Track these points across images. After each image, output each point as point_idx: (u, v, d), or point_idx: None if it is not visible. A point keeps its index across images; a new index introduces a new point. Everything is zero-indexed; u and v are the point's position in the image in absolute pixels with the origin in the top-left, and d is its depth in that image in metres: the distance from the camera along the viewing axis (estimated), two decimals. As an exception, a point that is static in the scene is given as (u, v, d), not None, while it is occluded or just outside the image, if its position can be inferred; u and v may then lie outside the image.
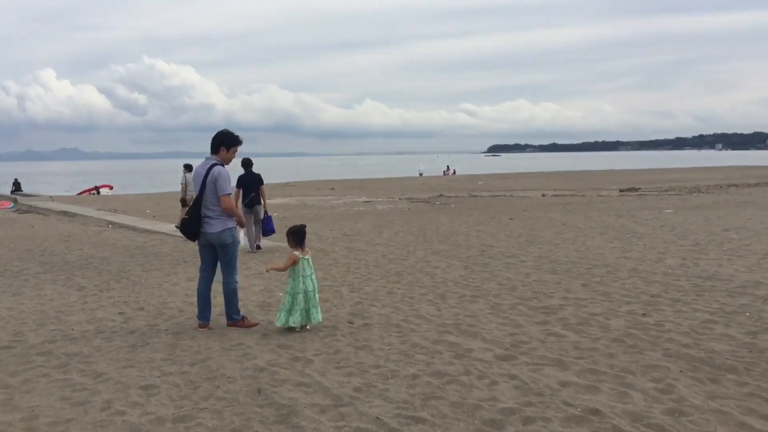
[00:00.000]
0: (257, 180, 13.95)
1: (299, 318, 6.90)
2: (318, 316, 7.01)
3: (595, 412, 4.25)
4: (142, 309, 8.62)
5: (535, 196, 32.81)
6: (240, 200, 13.53)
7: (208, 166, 7.25)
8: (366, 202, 30.99)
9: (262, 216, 13.89)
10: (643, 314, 7.02)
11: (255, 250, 13.95)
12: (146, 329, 7.44)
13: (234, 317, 7.35)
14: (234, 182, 11.61)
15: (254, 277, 10.77)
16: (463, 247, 13.65)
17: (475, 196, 34.22)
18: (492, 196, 33.89)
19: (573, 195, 32.91)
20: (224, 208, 7.11)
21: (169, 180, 63.06)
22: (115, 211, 26.40)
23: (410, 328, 6.79)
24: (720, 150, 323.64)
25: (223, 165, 7.30)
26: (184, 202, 18.72)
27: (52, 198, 37.65)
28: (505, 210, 23.46)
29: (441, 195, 35.11)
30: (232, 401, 4.90)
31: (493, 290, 8.73)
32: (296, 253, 7.06)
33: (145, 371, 5.81)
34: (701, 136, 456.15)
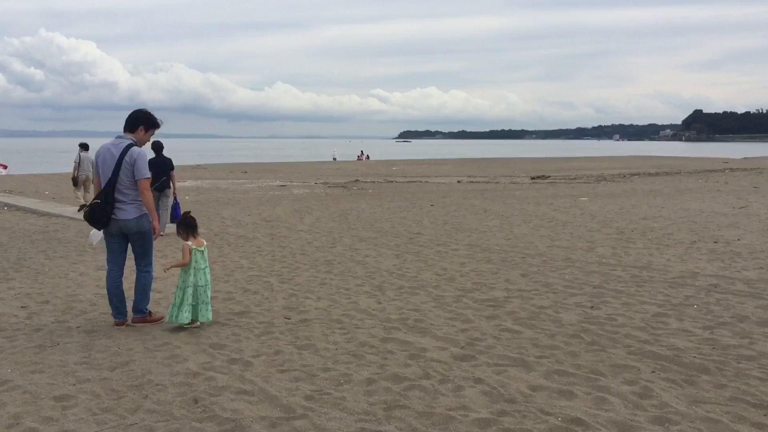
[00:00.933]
0: (168, 164, 13.49)
1: (187, 314, 6.33)
2: (208, 314, 6.42)
3: (578, 421, 3.94)
4: (47, 302, 7.76)
5: (451, 183, 32.92)
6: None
7: (124, 146, 6.51)
8: (281, 186, 30.18)
9: (171, 201, 13.46)
10: (592, 307, 6.83)
11: (164, 233, 13.26)
12: (55, 326, 6.64)
13: (144, 311, 6.69)
14: None
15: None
16: (389, 234, 13.29)
17: (392, 181, 34.00)
18: (408, 181, 33.75)
19: (487, 182, 33.21)
20: (141, 193, 6.43)
21: (67, 160, 59.75)
22: (10, 192, 24.49)
23: (353, 324, 6.32)
24: (617, 140, 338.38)
25: (139, 146, 6.60)
26: (75, 181, 18.15)
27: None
28: (424, 196, 23.31)
29: (357, 180, 34.69)
30: (165, 414, 4.28)
31: (431, 281, 8.38)
32: (189, 243, 6.45)
33: (58, 377, 5.08)
34: (600, 126, 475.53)
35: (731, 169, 41.77)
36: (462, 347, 5.47)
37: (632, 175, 38.29)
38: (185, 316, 6.32)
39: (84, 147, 18.68)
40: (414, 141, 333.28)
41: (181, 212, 14.12)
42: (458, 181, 33.82)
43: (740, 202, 18.63)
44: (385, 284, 8.26)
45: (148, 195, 6.46)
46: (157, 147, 13.42)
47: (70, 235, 13.80)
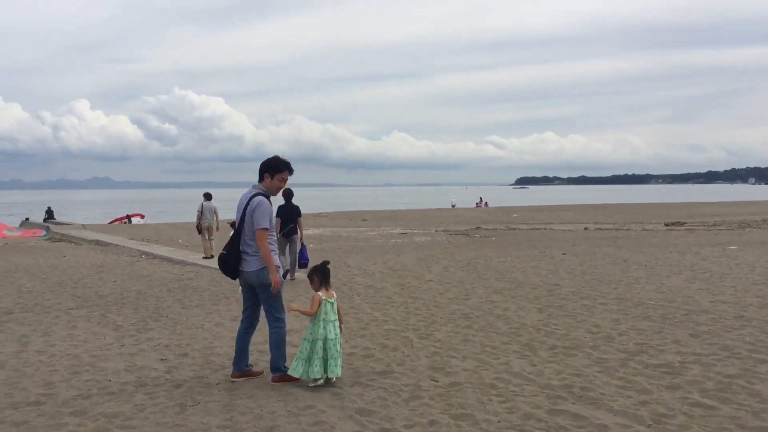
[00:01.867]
0: (296, 211, 13.78)
1: (318, 369, 5.96)
2: (337, 370, 6.04)
3: None
4: (186, 355, 7.62)
5: (577, 230, 31.56)
6: (278, 230, 13.31)
7: (251, 195, 6.37)
8: (402, 233, 29.98)
9: (299, 247, 13.70)
10: (791, 377, 5.83)
11: (291, 279, 13.69)
12: (194, 382, 6.42)
13: (281, 368, 6.34)
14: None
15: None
16: (525, 285, 12.52)
17: (514, 228, 33.06)
18: (531, 229, 32.67)
19: (618, 229, 31.57)
20: (258, 243, 6.16)
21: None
22: (147, 240, 25.67)
23: (510, 390, 5.67)
24: (753, 184, 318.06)
25: (266, 194, 6.39)
26: (199, 229, 18.70)
27: (84, 226, 37.17)
28: (552, 244, 22.27)
29: (478, 227, 33.99)
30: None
31: (586, 340, 7.58)
32: (319, 294, 6.12)
33: (200, 441, 4.77)
34: (733, 170, 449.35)
35: None
36: (649, 425, 4.69)
37: (779, 220, 35.33)
38: (316, 371, 5.98)
39: (207, 196, 19.18)
40: (531, 187, 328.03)
41: (308, 255, 14.59)
42: (585, 228, 32.40)
43: None
44: (534, 342, 7.54)
45: (264, 245, 6.17)
46: (287, 194, 13.48)
47: (204, 283, 13.98)
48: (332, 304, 6.20)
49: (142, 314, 10.41)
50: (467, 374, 6.17)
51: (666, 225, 34.38)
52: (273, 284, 6.18)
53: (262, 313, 6.52)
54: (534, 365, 6.49)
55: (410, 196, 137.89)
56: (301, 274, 13.82)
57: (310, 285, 6.32)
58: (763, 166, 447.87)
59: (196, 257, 18.85)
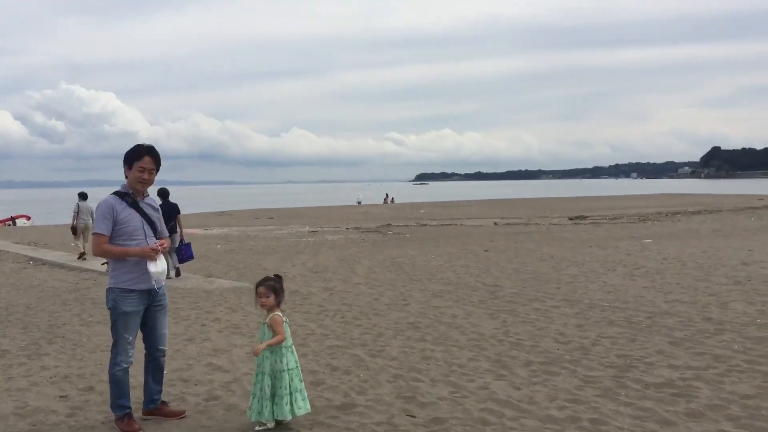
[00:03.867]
0: (174, 209, 14.11)
1: (288, 407, 4.81)
2: (306, 405, 4.94)
3: None
4: (92, 389, 6.26)
5: (487, 225, 31.46)
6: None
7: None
8: (312, 232, 28.83)
9: (177, 244, 13.81)
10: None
11: (174, 276, 13.59)
12: (106, 428, 5.13)
13: (116, 412, 5.12)
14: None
15: (186, 323, 8.49)
16: (463, 287, 11.73)
17: (425, 225, 32.54)
18: (442, 225, 32.26)
19: (526, 224, 31.66)
20: (93, 249, 5.12)
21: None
22: (35, 244, 23.23)
23: (507, 426, 4.72)
24: (635, 179, 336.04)
25: (118, 193, 5.16)
26: (74, 230, 18.30)
27: (-42, 230, 33.64)
28: (469, 240, 21.80)
29: (389, 224, 33.25)
30: None
31: (561, 353, 6.78)
32: (279, 314, 4.97)
33: None
34: (617, 165, 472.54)
35: (775, 206, 39.96)
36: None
37: (674, 213, 36.60)
38: (285, 411, 4.81)
39: (82, 196, 18.75)
40: (431, 183, 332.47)
41: (192, 252, 14.01)
42: (495, 224, 32.32)
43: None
44: (503, 357, 6.67)
45: (98, 251, 5.10)
46: (163, 193, 14.09)
47: (104, 293, 12.36)
48: (287, 324, 5.06)
49: (33, 335, 8.84)
50: (446, 405, 5.19)
51: (570, 219, 34.85)
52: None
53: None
54: (517, 388, 5.59)
55: (313, 193, 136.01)
56: (181, 281, 12.56)
57: (258, 299, 5.06)
58: (643, 161, 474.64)
59: (94, 263, 16.99)
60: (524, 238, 22.43)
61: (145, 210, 5.19)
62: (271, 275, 5.17)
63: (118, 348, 5.06)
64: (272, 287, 5.02)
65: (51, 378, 6.70)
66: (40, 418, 5.40)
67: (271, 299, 5.00)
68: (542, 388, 5.55)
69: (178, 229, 14.01)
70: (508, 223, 32.08)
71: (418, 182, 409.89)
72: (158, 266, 5.02)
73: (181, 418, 5.25)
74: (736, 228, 23.98)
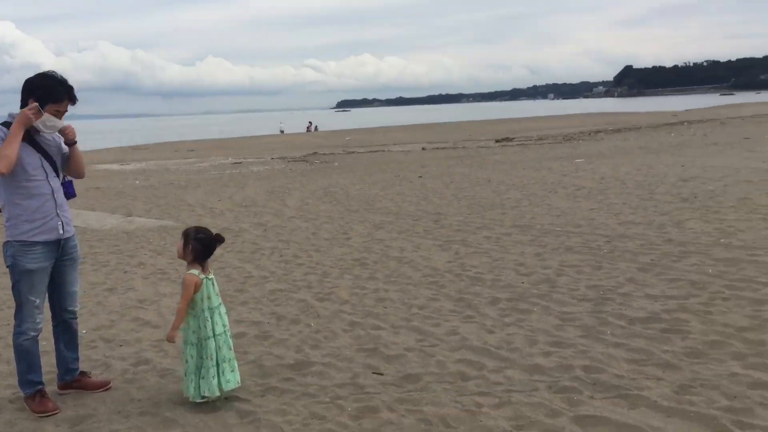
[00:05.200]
0: None
1: (216, 381, 4.06)
2: (235, 376, 4.16)
3: None
4: (-3, 357, 5.35)
5: (415, 150, 30.97)
6: None
7: None
8: (236, 163, 27.61)
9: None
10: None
11: None
12: (14, 408, 4.30)
13: (25, 390, 4.30)
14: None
15: (106, 270, 7.62)
16: (404, 216, 11.13)
17: (352, 152, 31.74)
18: (370, 151, 31.54)
19: (454, 148, 31.33)
20: None
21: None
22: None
23: (490, 380, 4.08)
24: (552, 99, 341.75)
25: (5, 124, 4.07)
26: None
27: None
28: (400, 166, 21.24)
29: (315, 153, 32.29)
30: None
31: (526, 286, 6.25)
32: (194, 272, 4.13)
33: None
34: (535, 86, 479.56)
35: (688, 122, 40.98)
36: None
37: (595, 132, 37.02)
38: (213, 385, 4.04)
39: None
40: (353, 110, 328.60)
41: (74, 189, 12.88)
42: (423, 148, 31.85)
43: (756, 155, 17.09)
44: (466, 295, 6.11)
45: None
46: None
47: None
48: (212, 281, 4.23)
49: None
50: (416, 358, 4.56)
51: (497, 141, 34.73)
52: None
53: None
54: (491, 331, 5.03)
55: (234, 123, 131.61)
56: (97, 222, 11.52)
57: (179, 251, 4.23)
58: (559, 82, 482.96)
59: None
60: (455, 162, 22.02)
61: (47, 149, 4.23)
62: (203, 232, 4.21)
63: (22, 313, 4.17)
64: (184, 233, 4.19)
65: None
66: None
67: (187, 253, 4.15)
68: (518, 330, 5.00)
69: None
70: (437, 148, 31.65)
71: (340, 109, 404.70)
72: (46, 119, 4.02)
73: (106, 389, 4.47)
74: (661, 144, 24.24)
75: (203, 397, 4.05)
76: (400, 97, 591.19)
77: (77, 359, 4.56)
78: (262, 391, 4.21)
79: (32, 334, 4.18)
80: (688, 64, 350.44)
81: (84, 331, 5.77)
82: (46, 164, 4.17)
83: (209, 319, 4.09)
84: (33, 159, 4.11)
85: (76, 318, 4.54)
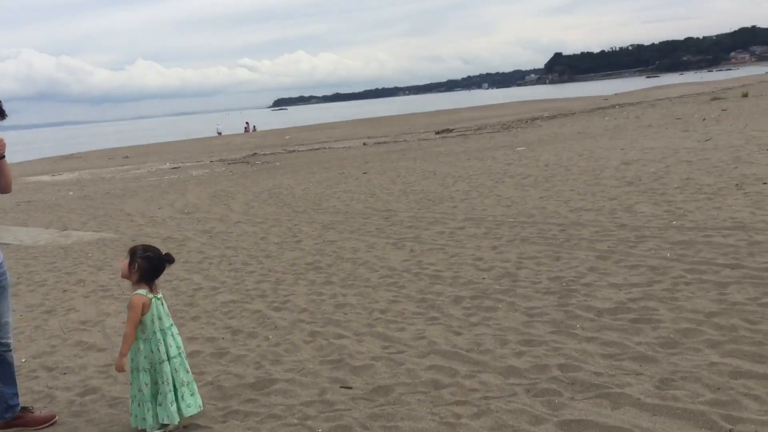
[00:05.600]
0: None
1: (174, 407, 3.77)
2: (197, 400, 3.89)
3: None
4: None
5: (356, 146, 30.77)
6: None
7: None
8: (174, 168, 26.89)
9: None
10: None
11: None
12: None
13: (4, 415, 4.07)
14: None
15: (43, 290, 7.22)
16: (354, 214, 10.91)
17: (293, 151, 31.34)
18: (311, 149, 31.19)
19: (395, 141, 31.25)
20: None
21: None
22: None
23: (465, 387, 3.89)
24: (487, 89, 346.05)
25: None
26: None
27: None
28: (344, 163, 21.04)
29: (255, 153, 31.75)
30: None
31: (488, 281, 6.12)
32: (141, 292, 3.83)
33: None
34: (469, 77, 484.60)
35: (620, 105, 41.95)
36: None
37: (532, 120, 37.52)
38: (172, 412, 3.74)
39: None
40: (290, 108, 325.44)
41: None
42: (364, 144, 31.69)
43: (690, 134, 17.50)
44: (428, 295, 5.93)
45: None
46: None
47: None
48: (162, 301, 3.93)
49: None
50: (385, 368, 4.34)
51: (437, 133, 34.85)
52: None
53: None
54: (458, 333, 4.86)
55: (167, 127, 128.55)
56: (30, 238, 10.96)
57: (123, 270, 3.90)
58: (492, 72, 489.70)
59: None
60: (398, 156, 21.92)
61: None
62: (150, 251, 3.90)
63: None
64: (130, 251, 3.89)
65: None
66: None
67: (133, 273, 3.85)
68: (486, 330, 4.85)
69: None
70: (378, 142, 31.52)
71: (277, 108, 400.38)
72: None
73: (51, 424, 4.12)
74: (596, 129, 24.65)
75: (162, 426, 3.75)
76: (337, 93, 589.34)
77: (16, 394, 4.19)
78: (223, 416, 3.93)
79: None
80: (614, 49, 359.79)
81: (23, 360, 5.37)
82: None
83: (162, 341, 3.79)
84: None
85: (11, 350, 4.17)
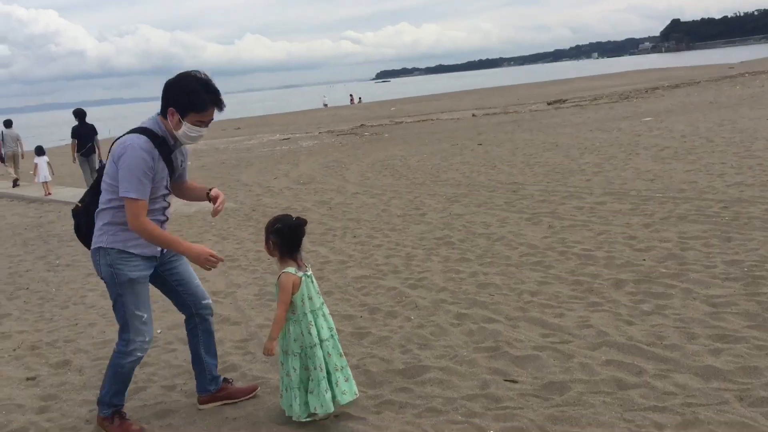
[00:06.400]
0: (91, 130, 14.11)
1: (329, 395, 3.39)
2: (352, 387, 3.50)
3: None
4: (66, 364, 4.85)
5: (466, 117, 29.97)
6: (76, 151, 14.03)
7: (125, 134, 3.44)
8: (284, 139, 27.09)
9: (98, 166, 13.73)
10: None
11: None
12: (87, 423, 3.75)
13: (103, 410, 3.67)
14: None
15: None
16: (478, 187, 10.37)
17: (400, 122, 30.92)
18: (419, 121, 30.65)
19: (505, 113, 30.25)
20: (129, 222, 3.35)
21: (47, 135, 55.49)
22: (-9, 176, 21.18)
23: (663, 391, 3.35)
24: (596, 58, 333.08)
25: (151, 135, 3.37)
26: (1, 158, 18.15)
27: None
28: (455, 135, 20.41)
29: (362, 125, 31.57)
30: None
31: (650, 264, 5.45)
32: (290, 270, 3.44)
33: None
34: (578, 46, 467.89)
35: (750, 73, 38.88)
36: None
37: (652, 89, 35.37)
38: (326, 399, 3.36)
39: (7, 124, 18.34)
40: (393, 80, 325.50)
41: None
42: (473, 115, 30.85)
43: None
44: (581, 277, 5.34)
45: (137, 227, 3.34)
46: (79, 114, 14.03)
47: (70, 227, 10.80)
48: (312, 278, 3.55)
49: (-10, 290, 7.35)
50: (551, 359, 3.85)
51: (549, 104, 33.55)
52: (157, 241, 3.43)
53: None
54: (630, 322, 4.28)
55: (275, 99, 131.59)
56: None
57: (267, 251, 3.58)
58: (603, 40, 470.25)
59: (56, 192, 15.30)
60: (512, 127, 21.07)
61: (175, 161, 3.57)
62: (282, 222, 3.51)
63: (129, 332, 3.48)
64: (266, 228, 3.53)
65: (14, 351, 5.27)
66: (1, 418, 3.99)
67: (274, 251, 3.49)
68: (663, 320, 4.25)
69: (97, 150, 14.10)
70: (487, 114, 30.65)
71: (380, 80, 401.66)
72: (187, 130, 3.46)
73: (253, 396, 3.87)
74: (730, 98, 22.81)
75: (311, 415, 3.43)
76: (440, 65, 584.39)
77: (216, 365, 3.94)
78: (376, 406, 3.56)
79: (139, 355, 3.53)
80: (738, 14, 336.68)
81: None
82: (168, 180, 3.56)
83: (313, 323, 3.45)
84: (163, 177, 3.48)
85: (212, 314, 3.87)
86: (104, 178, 3.44)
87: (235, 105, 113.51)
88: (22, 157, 18.23)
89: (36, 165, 15.22)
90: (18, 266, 8.39)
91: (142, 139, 3.32)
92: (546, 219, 7.61)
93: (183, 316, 3.87)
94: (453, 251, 6.70)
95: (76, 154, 14.06)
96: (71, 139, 14.09)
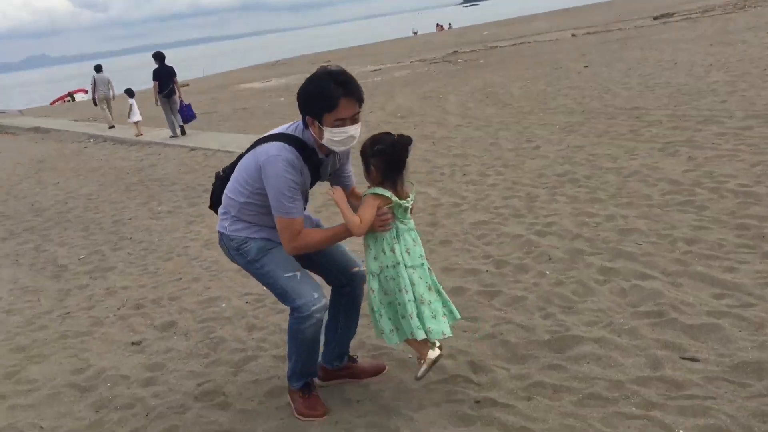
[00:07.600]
0: (171, 72, 14.46)
1: (416, 321, 2.84)
2: (441, 325, 2.89)
3: None
4: (172, 325, 4.55)
5: (566, 38, 28.15)
6: (156, 92, 14.40)
7: (267, 138, 3.00)
8: (376, 70, 26.35)
9: (179, 105, 14.32)
10: None
11: (178, 135, 14.26)
12: (195, 400, 3.39)
13: (294, 383, 3.24)
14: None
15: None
16: (594, 114, 9.43)
17: (495, 47, 29.40)
18: (514, 45, 29.04)
19: (607, 30, 28.16)
20: (285, 243, 2.95)
21: (144, 77, 56.93)
22: (94, 119, 21.66)
23: None
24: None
25: (299, 146, 2.90)
26: (95, 101, 18.71)
27: (21, 112, 32.42)
28: (556, 57, 19.09)
29: (455, 51, 30.28)
30: None
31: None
32: (380, 189, 2.88)
33: None
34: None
35: None
36: None
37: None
38: (414, 326, 2.82)
39: (98, 68, 18.75)
40: (481, 3, 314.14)
41: (194, 112, 14.29)
42: (572, 35, 28.96)
43: None
44: (748, 221, 4.52)
45: (301, 245, 2.95)
46: (159, 56, 14.52)
47: (171, 169, 10.71)
48: (406, 209, 2.94)
49: (96, 238, 7.29)
50: (737, 330, 3.14)
51: (655, 18, 31.06)
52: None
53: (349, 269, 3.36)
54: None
55: (364, 30, 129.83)
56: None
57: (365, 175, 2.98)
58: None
59: (156, 133, 15.44)
60: (619, 46, 19.47)
61: (323, 172, 3.11)
62: (383, 141, 2.89)
63: (292, 297, 3.01)
64: (360, 152, 2.93)
65: (119, 309, 5.04)
66: (104, 395, 3.69)
67: (372, 173, 2.92)
68: None
69: (177, 91, 14.40)
70: (588, 33, 28.68)
71: (468, 4, 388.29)
72: (331, 136, 3.00)
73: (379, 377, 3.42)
74: None
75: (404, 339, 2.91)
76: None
77: (349, 340, 3.47)
78: (525, 389, 3.00)
79: (317, 316, 3.02)
80: None
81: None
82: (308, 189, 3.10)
83: (396, 238, 2.89)
84: (306, 187, 3.05)
85: (365, 281, 3.29)
86: (239, 167, 3.06)
87: (322, 38, 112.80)
88: (113, 99, 18.78)
89: (130, 105, 15.55)
90: (122, 213, 8.29)
91: (286, 150, 2.86)
92: (683, 149, 6.70)
93: None
94: (580, 190, 5.97)
95: (158, 96, 14.30)
96: (153, 82, 14.41)
